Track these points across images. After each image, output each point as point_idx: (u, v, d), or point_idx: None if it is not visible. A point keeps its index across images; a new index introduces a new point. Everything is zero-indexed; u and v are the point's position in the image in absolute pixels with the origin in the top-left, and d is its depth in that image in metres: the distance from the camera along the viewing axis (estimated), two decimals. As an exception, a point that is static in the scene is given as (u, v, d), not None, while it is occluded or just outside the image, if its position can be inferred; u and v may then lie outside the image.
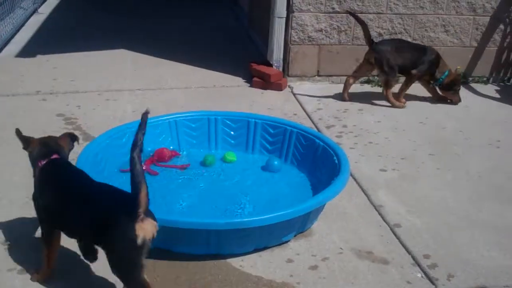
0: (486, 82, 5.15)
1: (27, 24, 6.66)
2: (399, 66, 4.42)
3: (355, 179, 3.45)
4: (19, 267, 2.57)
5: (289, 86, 4.87)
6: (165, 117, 3.68)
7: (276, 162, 3.43)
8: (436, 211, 3.17)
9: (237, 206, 3.04)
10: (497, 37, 5.04)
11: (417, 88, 4.73)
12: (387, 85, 4.47)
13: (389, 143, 3.95)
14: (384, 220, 3.06)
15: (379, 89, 4.86)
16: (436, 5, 4.86)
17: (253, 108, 4.40)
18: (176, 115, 3.71)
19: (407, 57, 4.45)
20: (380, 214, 3.12)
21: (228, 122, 3.70)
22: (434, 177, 3.54)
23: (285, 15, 4.75)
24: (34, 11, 7.20)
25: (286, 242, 2.80)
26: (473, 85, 5.10)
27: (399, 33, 4.88)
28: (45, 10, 7.38)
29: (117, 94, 4.59)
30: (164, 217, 2.55)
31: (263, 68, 4.89)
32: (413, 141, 3.99)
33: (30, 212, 2.95)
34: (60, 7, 7.68)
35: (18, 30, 6.32)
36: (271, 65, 4.90)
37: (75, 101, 4.44)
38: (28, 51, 5.65)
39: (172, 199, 3.11)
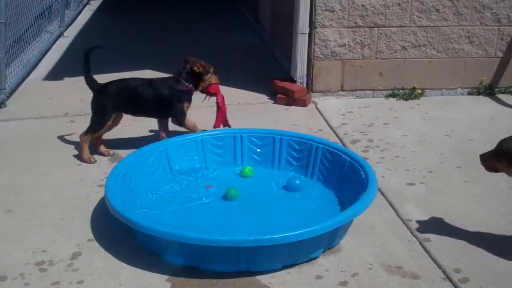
0: (512, 93, 5.11)
1: (54, 48, 6.79)
2: None
3: (382, 194, 3.43)
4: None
5: (313, 102, 4.88)
6: (192, 136, 3.72)
7: (297, 181, 3.42)
8: (466, 224, 3.14)
9: (265, 223, 3.04)
10: (522, 47, 5.02)
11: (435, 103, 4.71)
12: None
13: (415, 157, 3.93)
14: (413, 235, 3.04)
15: (403, 102, 4.86)
16: (460, 17, 4.85)
17: (278, 125, 4.42)
18: (203, 134, 3.75)
19: None
20: (409, 228, 3.10)
21: (253, 139, 3.72)
22: (462, 190, 3.51)
23: (307, 31, 4.77)
24: (60, 34, 7.34)
25: (315, 258, 2.80)
26: (499, 95, 5.06)
27: (423, 45, 4.87)
28: (70, 34, 7.53)
29: (143, 114, 4.64)
30: (194, 236, 2.59)
31: (286, 85, 4.91)
32: (440, 154, 3.96)
33: (61, 232, 3.03)
34: (85, 30, 7.83)
35: (45, 54, 6.44)
36: (294, 81, 4.92)
37: (103, 121, 4.49)
38: (55, 74, 5.76)
39: (198, 217, 3.13)
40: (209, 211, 3.21)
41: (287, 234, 2.58)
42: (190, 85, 3.94)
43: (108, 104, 3.88)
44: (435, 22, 4.84)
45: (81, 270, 2.72)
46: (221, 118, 4.05)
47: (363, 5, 4.72)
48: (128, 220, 2.74)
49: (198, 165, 3.64)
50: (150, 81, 3.93)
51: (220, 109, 4.04)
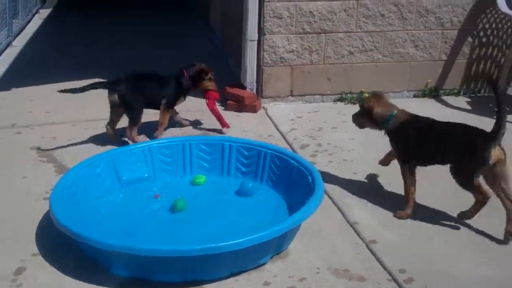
0: (457, 94, 5.23)
1: (1, 58, 6.66)
2: None
3: (330, 197, 3.48)
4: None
5: (263, 108, 4.91)
6: (140, 145, 3.70)
7: (250, 185, 3.44)
8: (411, 224, 3.21)
9: (213, 231, 3.04)
10: (466, 50, 5.14)
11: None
12: None
13: (362, 159, 4.00)
14: (360, 237, 3.09)
15: (352, 106, 4.93)
16: (404, 21, 4.95)
17: (229, 131, 4.43)
18: (150, 143, 3.74)
19: None
20: (355, 231, 3.15)
21: (202, 146, 3.72)
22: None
23: (256, 38, 4.80)
24: (8, 44, 7.20)
25: (263, 264, 2.82)
26: (444, 97, 5.18)
27: (369, 50, 4.96)
28: (19, 43, 7.38)
29: (93, 124, 4.59)
30: (140, 247, 2.58)
31: (237, 91, 4.93)
32: (385, 156, 4.03)
33: (5, 247, 2.96)
34: (34, 40, 7.69)
35: (-8, 64, 6.32)
36: (245, 88, 4.95)
37: (50, 133, 4.43)
38: (3, 84, 5.64)
39: (147, 227, 3.11)
40: (158, 221, 3.19)
41: (233, 242, 2.59)
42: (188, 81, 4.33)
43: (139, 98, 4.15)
44: (380, 27, 4.93)
45: (25, 286, 2.68)
46: (219, 119, 4.43)
47: (310, 12, 4.77)
48: (72, 232, 2.71)
49: (146, 175, 3.62)
50: (159, 75, 4.35)
51: (213, 112, 4.44)
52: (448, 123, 3.34)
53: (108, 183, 3.45)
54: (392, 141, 3.44)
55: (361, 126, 3.61)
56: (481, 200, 3.10)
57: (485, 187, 3.11)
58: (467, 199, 3.19)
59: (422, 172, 3.39)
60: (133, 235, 2.98)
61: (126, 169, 3.55)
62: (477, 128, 3.13)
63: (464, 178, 3.13)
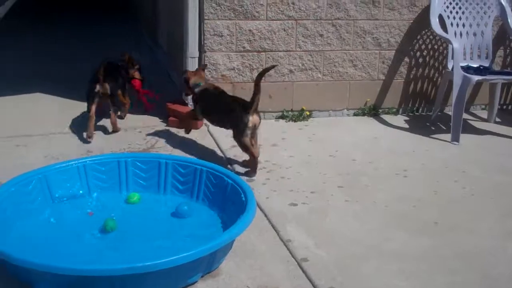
0: (396, 113, 5.35)
1: None
2: None
3: (265, 215, 3.50)
4: None
5: (205, 124, 4.92)
6: (74, 162, 3.65)
7: (186, 208, 3.42)
8: (344, 243, 3.25)
9: (143, 250, 3.02)
10: (403, 69, 5.27)
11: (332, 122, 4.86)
12: None
13: (300, 177, 4.04)
14: (292, 255, 3.11)
15: (292, 124, 4.99)
16: (342, 41, 5.05)
17: (169, 147, 4.43)
18: (85, 159, 3.69)
19: None
20: (288, 249, 3.17)
21: (138, 163, 3.70)
22: (342, 209, 3.63)
23: (197, 55, 4.83)
24: None
25: (193, 283, 2.81)
26: (383, 116, 5.30)
27: (309, 69, 5.04)
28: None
29: (29, 139, 4.52)
30: (67, 266, 2.54)
31: (178, 107, 4.93)
32: (324, 174, 4.09)
33: None
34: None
35: None
36: (186, 104, 4.95)
37: (-17, 148, 4.35)
38: None
39: (77, 246, 3.07)
40: (89, 240, 3.15)
41: (160, 261, 2.57)
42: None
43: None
44: (319, 46, 5.02)
45: None
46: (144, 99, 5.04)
47: (250, 31, 4.83)
48: (-3, 251, 2.65)
49: (80, 192, 3.57)
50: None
51: (139, 93, 5.03)
52: (229, 96, 4.31)
53: (40, 201, 3.40)
54: (194, 101, 4.47)
55: (185, 92, 4.58)
56: (251, 159, 4.02)
57: (255, 148, 4.02)
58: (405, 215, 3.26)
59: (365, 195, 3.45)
60: (60, 254, 2.94)
61: (60, 186, 3.50)
62: (242, 101, 4.06)
63: (238, 139, 4.00)
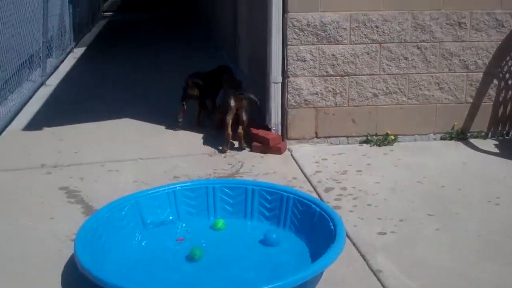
0: (485, 137, 5.18)
1: (35, 97, 6.84)
2: None
3: (353, 244, 3.46)
4: None
5: (288, 149, 4.94)
6: (164, 188, 3.75)
7: (274, 236, 3.42)
8: (435, 273, 3.17)
9: (232, 280, 3.04)
10: (491, 92, 5.11)
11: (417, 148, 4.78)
12: None
13: (388, 205, 3.97)
14: (382, 286, 3.06)
15: (377, 149, 4.93)
16: (428, 64, 4.96)
17: (253, 172, 4.47)
18: (175, 185, 3.78)
19: None
20: (378, 279, 3.11)
21: (226, 190, 3.75)
22: (433, 239, 3.54)
23: (280, 81, 4.86)
24: (42, 83, 7.39)
25: (284, 313, 2.80)
26: (471, 140, 5.14)
27: (394, 92, 4.97)
28: (52, 82, 7.59)
29: (119, 165, 4.68)
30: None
31: (261, 132, 4.98)
32: (412, 202, 4.01)
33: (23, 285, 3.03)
34: (68, 79, 7.90)
35: (26, 103, 6.48)
36: (270, 129, 4.99)
37: (78, 173, 4.52)
38: (34, 124, 5.79)
39: (170, 273, 3.13)
40: (180, 266, 3.20)
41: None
42: None
43: None
44: (404, 69, 4.95)
45: (48, 330, 2.71)
46: None
47: (333, 55, 4.83)
48: (94, 277, 2.74)
49: (171, 218, 3.65)
50: None
51: None
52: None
53: (132, 226, 3.50)
54: None
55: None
56: (226, 137, 4.84)
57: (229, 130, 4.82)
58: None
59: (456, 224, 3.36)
60: (152, 281, 3.01)
61: (151, 212, 3.59)
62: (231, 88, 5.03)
63: (223, 118, 4.89)
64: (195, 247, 3.28)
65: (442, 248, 3.43)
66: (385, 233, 3.59)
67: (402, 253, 3.37)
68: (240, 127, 4.88)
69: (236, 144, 4.94)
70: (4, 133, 5.51)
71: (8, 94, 6.17)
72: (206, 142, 5.17)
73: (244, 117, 4.87)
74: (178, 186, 3.77)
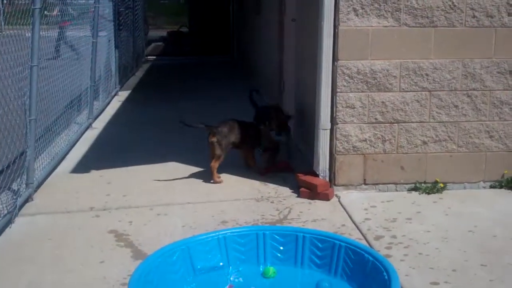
0: (535, 186, 5.09)
1: (82, 139, 6.98)
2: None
3: (406, 294, 3.40)
4: None
5: (336, 195, 4.92)
6: (215, 234, 3.75)
7: (327, 284, 3.37)
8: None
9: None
10: (543, 140, 5.04)
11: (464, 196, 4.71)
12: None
13: (439, 254, 3.90)
14: None
15: (426, 196, 4.87)
16: (478, 112, 4.92)
17: (301, 219, 4.45)
18: (225, 231, 3.78)
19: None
20: (433, 331, 3.05)
21: (276, 236, 3.73)
22: (488, 290, 3.46)
23: (329, 127, 4.87)
24: (89, 126, 7.55)
25: None
26: (522, 189, 5.06)
27: (443, 140, 4.93)
28: (99, 125, 7.74)
29: (168, 208, 4.71)
30: None
31: (309, 178, 4.97)
32: (464, 251, 3.93)
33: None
34: (113, 121, 8.05)
35: (73, 146, 6.61)
36: (317, 175, 4.98)
37: (127, 216, 4.57)
38: (82, 167, 5.89)
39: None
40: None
41: None
42: None
43: None
44: (454, 117, 4.91)
45: None
46: None
47: (382, 102, 4.83)
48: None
49: (220, 263, 3.65)
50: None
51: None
52: None
53: (183, 272, 3.50)
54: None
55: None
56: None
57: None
58: None
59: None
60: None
61: (201, 258, 3.59)
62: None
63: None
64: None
65: None
66: (438, 283, 3.52)
67: (457, 305, 3.30)
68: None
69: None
70: (53, 175, 5.62)
71: (56, 135, 6.31)
72: (253, 186, 5.19)
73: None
74: (229, 232, 3.77)
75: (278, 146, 5.80)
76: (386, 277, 3.15)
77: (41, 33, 5.19)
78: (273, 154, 5.71)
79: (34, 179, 5.07)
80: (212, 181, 5.30)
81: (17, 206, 4.57)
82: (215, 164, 5.31)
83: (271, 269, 3.59)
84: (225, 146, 5.36)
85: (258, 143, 5.69)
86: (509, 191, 5.03)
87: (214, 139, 5.33)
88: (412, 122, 4.89)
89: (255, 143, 5.66)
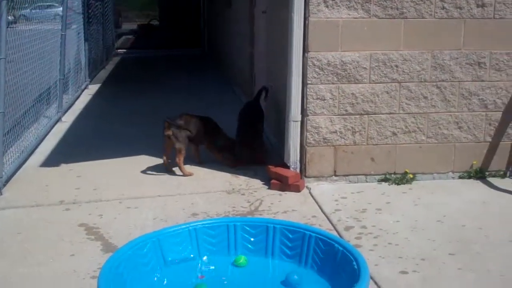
0: (503, 176, 5.16)
1: (51, 133, 6.90)
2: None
3: (376, 283, 3.43)
4: None
5: (307, 187, 4.93)
6: (185, 226, 3.73)
7: (296, 277, 3.37)
8: (460, 314, 3.13)
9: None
10: (510, 131, 5.11)
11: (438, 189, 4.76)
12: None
13: (408, 244, 3.94)
14: (407, 327, 3.02)
15: (396, 187, 4.92)
16: (447, 103, 4.98)
17: (272, 210, 4.46)
18: (196, 223, 3.76)
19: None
20: (402, 320, 3.09)
21: (247, 228, 3.72)
22: (455, 279, 3.50)
23: (300, 119, 4.88)
24: (58, 119, 7.46)
25: None
26: (490, 179, 5.12)
27: (413, 131, 4.98)
28: (68, 119, 7.66)
29: (138, 202, 4.68)
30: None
31: (280, 170, 4.98)
32: (432, 241, 3.98)
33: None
34: (82, 115, 7.97)
35: (42, 139, 6.53)
36: (288, 167, 4.99)
37: (97, 210, 4.52)
38: (52, 160, 5.83)
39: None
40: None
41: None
42: None
43: None
44: (423, 109, 4.97)
45: None
46: None
47: (353, 94, 4.86)
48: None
49: (191, 255, 3.63)
50: None
51: None
52: None
53: (154, 264, 3.47)
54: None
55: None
56: None
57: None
58: None
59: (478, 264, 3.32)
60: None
61: (172, 250, 3.57)
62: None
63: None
64: (199, 283, 3.24)
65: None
66: (407, 272, 3.56)
67: (426, 293, 3.34)
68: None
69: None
70: (22, 169, 5.54)
71: (25, 129, 6.22)
72: (223, 179, 5.18)
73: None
74: (199, 224, 3.75)
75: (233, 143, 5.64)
76: (355, 266, 3.16)
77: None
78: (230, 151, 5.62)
79: (3, 173, 5.00)
80: (181, 174, 5.28)
81: (-15, 200, 4.51)
82: (179, 159, 5.28)
83: (242, 257, 3.59)
84: (182, 140, 5.30)
85: (212, 142, 5.58)
86: (478, 181, 5.11)
87: (170, 132, 5.29)
88: (382, 114, 4.93)
89: (215, 138, 5.56)
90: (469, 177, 5.13)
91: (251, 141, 5.55)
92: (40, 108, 7.06)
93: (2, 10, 4.91)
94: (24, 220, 4.36)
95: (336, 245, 3.43)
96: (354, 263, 3.20)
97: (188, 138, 5.35)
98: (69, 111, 8.19)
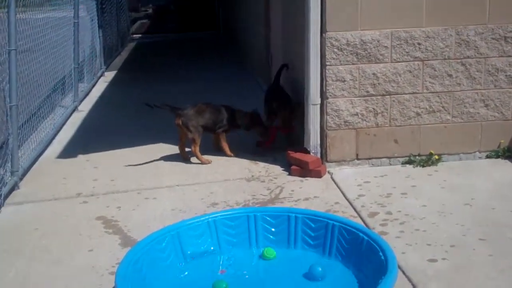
0: (532, 155, 4.99)
1: (68, 123, 6.82)
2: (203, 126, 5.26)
3: (403, 272, 3.29)
4: None
5: (328, 172, 4.79)
6: (204, 217, 3.63)
7: (319, 269, 3.25)
8: (493, 304, 2.99)
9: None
10: (540, 107, 4.92)
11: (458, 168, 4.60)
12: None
13: (436, 229, 3.79)
14: (439, 319, 2.89)
15: (421, 169, 4.76)
16: (473, 81, 4.79)
17: (293, 197, 4.33)
18: (215, 214, 3.66)
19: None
20: (433, 311, 2.96)
21: (267, 218, 3.61)
22: (487, 265, 3.34)
23: (319, 102, 4.73)
24: (74, 109, 7.38)
25: None
26: (519, 158, 4.95)
27: (437, 111, 4.80)
28: (85, 107, 7.58)
29: (156, 192, 4.59)
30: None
31: (300, 156, 4.84)
32: (462, 225, 3.82)
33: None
34: (99, 104, 7.89)
35: (59, 130, 6.46)
36: (308, 152, 4.85)
37: (115, 202, 4.44)
38: (69, 151, 5.75)
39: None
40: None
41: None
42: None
43: None
44: (448, 87, 4.78)
45: None
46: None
47: (374, 74, 4.68)
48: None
49: (211, 248, 3.53)
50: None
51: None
52: None
53: (173, 258, 3.38)
54: None
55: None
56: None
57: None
58: None
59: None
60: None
61: (191, 243, 3.48)
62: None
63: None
64: (217, 280, 3.15)
65: (497, 275, 3.24)
66: (436, 260, 3.41)
67: (455, 281, 3.19)
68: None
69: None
70: (40, 160, 5.48)
71: (41, 119, 6.15)
72: (242, 165, 5.06)
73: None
74: (219, 215, 3.65)
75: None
76: (382, 257, 3.04)
77: (18, 15, 5.02)
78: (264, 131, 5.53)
79: (19, 166, 4.92)
80: (199, 162, 5.17)
81: (2, 196, 4.44)
82: (194, 148, 5.17)
83: (273, 252, 3.47)
84: (194, 129, 5.16)
85: (236, 126, 5.42)
86: (506, 160, 4.92)
87: (180, 121, 5.18)
88: (405, 94, 4.76)
89: (229, 126, 5.38)
90: (497, 157, 4.95)
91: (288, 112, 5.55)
92: (55, 98, 6.98)
93: (10, 1, 4.80)
94: (41, 215, 4.29)
95: (361, 234, 3.32)
96: (381, 253, 3.08)
97: (202, 127, 5.22)
98: (86, 99, 8.11)
